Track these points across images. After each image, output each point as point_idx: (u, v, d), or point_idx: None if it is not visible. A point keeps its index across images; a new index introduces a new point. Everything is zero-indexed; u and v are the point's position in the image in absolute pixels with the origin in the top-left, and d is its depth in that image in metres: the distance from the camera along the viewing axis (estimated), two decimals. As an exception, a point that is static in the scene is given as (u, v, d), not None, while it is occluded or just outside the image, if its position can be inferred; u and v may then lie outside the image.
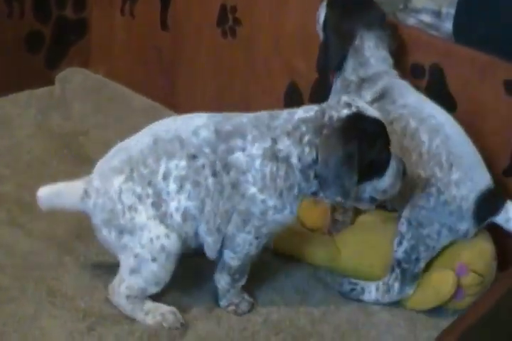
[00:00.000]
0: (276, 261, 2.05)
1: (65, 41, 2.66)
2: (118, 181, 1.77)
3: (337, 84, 2.09)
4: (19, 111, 2.48)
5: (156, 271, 1.78)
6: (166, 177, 1.75)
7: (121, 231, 1.78)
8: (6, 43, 2.50)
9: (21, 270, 1.90)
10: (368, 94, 2.02)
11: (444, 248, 1.96)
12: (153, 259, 1.76)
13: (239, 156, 1.75)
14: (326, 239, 2.07)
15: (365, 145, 1.70)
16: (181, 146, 1.76)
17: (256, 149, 1.75)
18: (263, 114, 1.81)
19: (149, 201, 1.75)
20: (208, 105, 2.48)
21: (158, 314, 1.82)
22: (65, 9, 2.61)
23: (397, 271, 1.95)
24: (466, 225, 1.94)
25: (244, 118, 1.80)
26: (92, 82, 2.63)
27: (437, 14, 3.24)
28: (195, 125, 1.78)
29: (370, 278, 1.97)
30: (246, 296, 1.91)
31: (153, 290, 1.81)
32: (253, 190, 1.75)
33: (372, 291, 1.96)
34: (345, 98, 1.76)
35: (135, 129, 1.86)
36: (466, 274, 1.92)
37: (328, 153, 1.70)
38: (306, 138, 1.72)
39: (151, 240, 1.75)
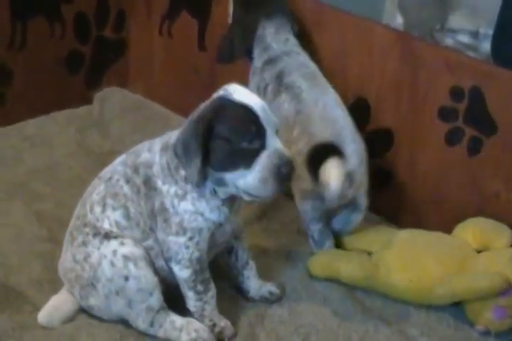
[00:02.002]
0: (313, 283, 2.03)
1: (104, 61, 2.70)
2: (69, 253, 1.84)
3: (251, 72, 2.22)
4: (59, 130, 2.51)
5: (137, 288, 1.78)
6: (91, 208, 1.83)
7: (92, 284, 1.80)
8: (46, 63, 2.54)
9: (59, 287, 1.91)
10: (268, 76, 2.14)
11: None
12: (126, 278, 1.77)
13: (145, 155, 1.82)
14: (362, 257, 2.06)
15: (219, 126, 1.68)
16: (99, 180, 1.86)
17: (157, 145, 1.81)
18: None
19: (90, 237, 1.80)
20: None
21: (192, 330, 1.80)
22: (105, 29, 2.64)
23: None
24: (307, 184, 1.96)
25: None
26: (130, 101, 2.65)
27: (475, 35, 3.23)
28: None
29: (408, 293, 1.96)
30: (225, 320, 1.86)
31: (154, 300, 1.79)
32: (159, 182, 1.78)
33: None
34: (228, 85, 1.75)
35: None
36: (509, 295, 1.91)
37: (182, 131, 1.72)
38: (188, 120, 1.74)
39: (112, 263, 1.77)
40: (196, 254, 1.79)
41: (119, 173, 1.83)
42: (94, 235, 1.80)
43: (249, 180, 1.69)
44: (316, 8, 2.37)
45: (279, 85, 2.13)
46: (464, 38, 3.24)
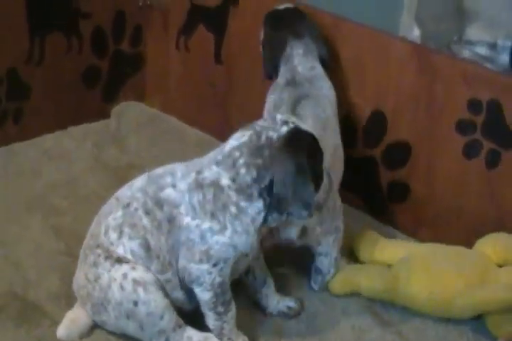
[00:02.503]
0: (331, 297, 2.03)
1: (121, 75, 2.71)
2: (81, 271, 1.84)
3: (272, 86, 2.24)
4: (76, 145, 2.52)
5: (147, 312, 1.77)
6: (106, 231, 1.82)
7: (102, 304, 1.80)
8: (64, 78, 2.56)
9: (76, 301, 1.91)
10: (286, 97, 2.15)
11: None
12: (135, 303, 1.76)
13: (170, 192, 1.81)
14: (382, 270, 2.05)
15: (310, 156, 1.76)
16: (117, 202, 1.84)
17: (183, 185, 1.80)
18: (204, 156, 1.87)
19: (101, 259, 1.79)
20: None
21: None
22: (122, 44, 2.65)
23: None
24: None
25: (178, 163, 1.87)
26: (147, 115, 2.67)
27: (493, 46, 3.22)
28: (134, 179, 1.88)
29: (428, 306, 1.95)
30: (244, 337, 1.87)
31: (165, 323, 1.78)
32: (187, 219, 1.78)
33: None
34: (279, 116, 1.79)
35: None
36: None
37: (283, 172, 1.73)
38: (241, 161, 1.75)
39: (121, 286, 1.76)
40: (219, 279, 1.80)
41: (139, 202, 1.81)
42: (106, 258, 1.80)
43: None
44: (333, 21, 2.37)
45: (292, 112, 2.11)
46: (482, 50, 3.22)
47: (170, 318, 1.79)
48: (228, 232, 1.77)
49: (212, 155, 1.81)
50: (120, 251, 1.79)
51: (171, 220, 1.79)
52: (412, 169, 2.28)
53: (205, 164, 1.80)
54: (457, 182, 2.20)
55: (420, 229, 2.29)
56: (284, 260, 2.13)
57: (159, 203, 1.80)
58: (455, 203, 2.21)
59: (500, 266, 2.02)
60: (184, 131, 2.64)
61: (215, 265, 1.78)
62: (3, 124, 2.46)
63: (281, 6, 2.31)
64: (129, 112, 2.66)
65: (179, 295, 1.83)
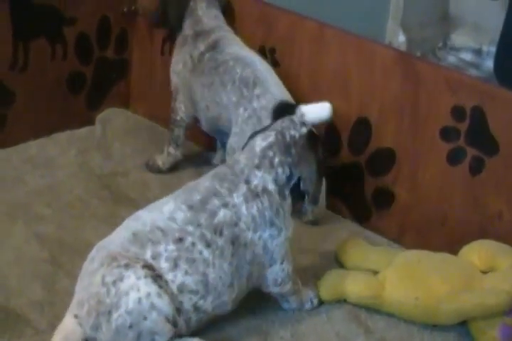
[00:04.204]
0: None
1: (106, 81, 2.69)
2: (99, 274, 1.73)
3: (178, 40, 2.43)
4: (60, 151, 2.51)
5: (152, 327, 1.73)
6: (155, 257, 1.75)
7: (109, 313, 1.71)
8: (48, 84, 2.54)
9: (60, 310, 1.89)
10: (202, 45, 2.36)
11: None
12: (145, 318, 1.72)
13: (224, 213, 1.81)
14: (368, 276, 2.05)
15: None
16: (164, 234, 1.77)
17: (237, 198, 1.82)
18: (220, 168, 1.91)
19: (139, 265, 1.72)
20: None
21: None
22: (107, 50, 2.64)
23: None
24: None
25: (204, 182, 1.87)
26: (132, 122, 2.66)
27: (478, 52, 3.24)
28: (168, 211, 1.81)
29: (415, 311, 1.96)
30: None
31: (163, 338, 1.75)
32: (249, 234, 1.82)
33: None
34: (297, 118, 1.92)
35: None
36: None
37: (309, 170, 1.87)
38: (277, 160, 1.85)
39: (139, 300, 1.70)
40: (289, 269, 1.91)
41: (194, 236, 1.77)
42: (145, 267, 1.73)
43: None
44: (317, 28, 2.37)
45: (219, 55, 2.33)
46: (467, 56, 3.25)
47: (168, 335, 1.76)
48: (283, 233, 1.86)
49: (244, 161, 1.86)
50: (169, 277, 1.74)
51: (235, 241, 1.80)
52: (397, 176, 2.29)
53: (246, 172, 1.85)
54: (441, 188, 2.21)
55: (405, 236, 2.29)
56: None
57: (218, 229, 1.79)
58: (439, 210, 2.22)
59: (484, 272, 2.02)
60: (168, 138, 2.62)
61: (282, 262, 1.88)
62: (-14, 132, 2.45)
63: None
64: (113, 119, 2.65)
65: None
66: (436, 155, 2.20)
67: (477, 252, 2.04)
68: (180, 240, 1.76)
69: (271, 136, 1.86)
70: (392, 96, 2.27)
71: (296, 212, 2.02)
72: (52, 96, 2.56)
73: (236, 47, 2.37)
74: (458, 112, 2.14)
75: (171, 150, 2.46)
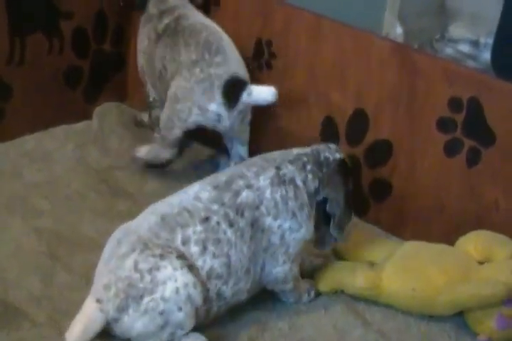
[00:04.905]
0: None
1: (103, 75, 2.69)
2: (131, 259, 1.73)
3: (143, 19, 2.46)
4: (57, 146, 2.50)
5: (182, 320, 1.74)
6: (185, 242, 1.76)
7: (140, 297, 1.71)
8: (44, 78, 2.54)
9: (58, 303, 1.90)
10: (167, 19, 2.40)
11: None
12: (179, 309, 1.72)
13: (247, 194, 1.83)
14: (365, 268, 2.05)
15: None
16: (190, 215, 1.79)
17: (263, 180, 1.85)
18: (251, 158, 1.97)
19: (173, 256, 1.73)
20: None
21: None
22: (103, 43, 2.64)
23: (159, 138, 2.36)
24: (215, 106, 2.24)
25: (234, 167, 1.94)
26: (129, 116, 2.65)
27: (475, 44, 3.23)
28: (193, 192, 1.84)
29: (412, 302, 1.96)
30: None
31: (182, 333, 1.76)
32: (269, 220, 1.84)
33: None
34: (333, 146, 1.97)
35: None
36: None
37: (336, 194, 1.90)
38: (309, 167, 1.89)
39: (177, 290, 1.71)
40: (296, 270, 1.93)
41: (219, 215, 1.79)
42: (179, 257, 1.74)
43: None
44: (314, 20, 2.37)
45: (184, 23, 2.37)
46: (465, 48, 3.24)
47: (189, 329, 1.77)
48: (303, 230, 1.88)
49: (279, 154, 1.93)
50: (199, 263, 1.76)
51: (254, 223, 1.82)
52: (394, 167, 2.29)
53: (278, 161, 1.89)
54: (438, 180, 2.21)
55: (402, 227, 2.29)
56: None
57: (240, 210, 1.81)
58: (436, 201, 2.22)
59: (481, 263, 2.02)
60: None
61: (293, 261, 1.89)
62: (-16, 125, 2.45)
63: None
64: (111, 113, 2.64)
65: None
66: (433, 147, 2.20)
67: (474, 243, 2.05)
68: (207, 219, 1.79)
69: (307, 149, 1.94)
70: (389, 87, 2.27)
71: (317, 241, 2.02)
72: (50, 90, 2.56)
73: (202, 18, 2.41)
74: (455, 103, 2.14)
75: (156, 135, 2.45)
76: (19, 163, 2.41)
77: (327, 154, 1.94)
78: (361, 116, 2.32)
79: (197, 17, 2.42)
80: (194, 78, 2.28)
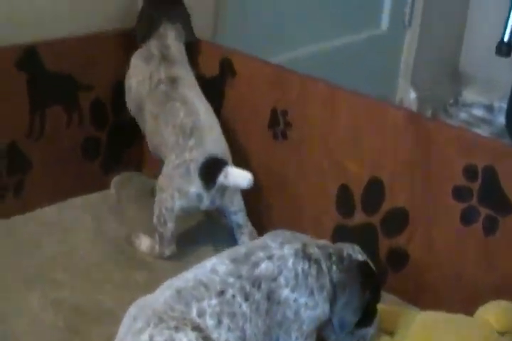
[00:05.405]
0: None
1: (120, 146, 2.72)
2: (146, 334, 1.70)
3: (143, 52, 2.51)
4: (76, 216, 2.52)
5: None
6: (200, 315, 1.75)
7: None
8: (63, 150, 2.57)
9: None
10: (163, 74, 2.43)
11: None
12: None
13: (266, 265, 1.82)
14: (384, 338, 2.03)
15: (371, 294, 1.91)
16: (206, 288, 1.78)
17: (287, 249, 1.84)
18: (278, 231, 1.95)
19: (188, 328, 1.71)
20: (258, 205, 2.50)
21: None
22: (121, 114, 2.67)
23: (156, 235, 2.34)
24: (194, 187, 2.26)
25: (256, 241, 1.91)
26: (146, 185, 2.67)
27: (489, 108, 3.26)
28: (210, 265, 1.83)
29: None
30: None
31: None
32: (286, 292, 1.81)
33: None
34: (356, 247, 1.95)
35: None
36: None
37: (349, 297, 1.86)
38: (334, 258, 1.87)
39: None
40: None
41: (234, 288, 1.78)
42: (194, 329, 1.72)
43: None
44: (329, 90, 2.40)
45: (173, 91, 2.40)
46: (479, 112, 3.26)
47: None
48: (319, 311, 1.85)
49: (306, 237, 1.92)
50: (215, 335, 1.74)
51: (270, 295, 1.80)
52: (411, 236, 2.29)
53: (305, 239, 1.89)
54: (455, 248, 2.20)
55: (420, 296, 2.28)
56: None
57: (256, 282, 1.79)
58: (454, 270, 2.21)
59: (501, 334, 2.00)
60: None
61: (306, 338, 1.85)
62: (4, 198, 2.46)
63: None
64: (128, 182, 2.67)
65: None
66: (449, 215, 2.20)
67: (493, 313, 2.02)
68: (222, 293, 1.77)
69: (331, 244, 1.93)
70: (404, 155, 2.28)
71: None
72: (68, 161, 2.58)
73: (189, 91, 2.42)
74: (470, 172, 2.15)
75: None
76: (38, 234, 2.42)
77: (350, 252, 1.92)
78: (377, 185, 2.33)
79: (186, 86, 2.42)
80: (171, 164, 2.31)
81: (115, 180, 2.67)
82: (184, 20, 2.55)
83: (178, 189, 2.29)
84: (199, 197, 2.28)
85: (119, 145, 2.71)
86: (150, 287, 1.87)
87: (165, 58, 2.46)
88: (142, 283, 2.25)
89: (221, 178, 2.22)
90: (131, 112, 2.58)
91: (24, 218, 2.48)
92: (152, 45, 2.50)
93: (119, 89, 2.62)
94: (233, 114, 2.60)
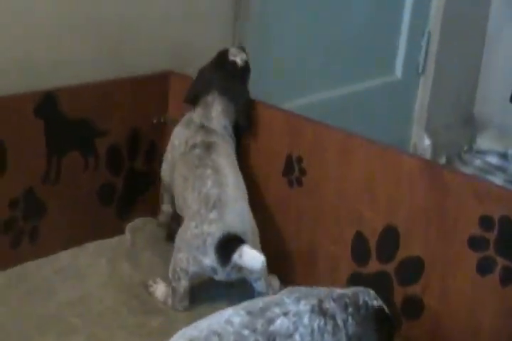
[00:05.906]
0: None
1: (136, 191, 2.73)
2: None
3: (185, 119, 2.49)
4: (90, 261, 2.52)
5: None
6: None
7: None
8: (79, 196, 2.58)
9: None
10: (199, 138, 2.39)
11: None
12: None
13: (282, 322, 1.79)
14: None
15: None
16: (220, 338, 1.76)
17: (303, 305, 1.81)
18: (294, 287, 1.92)
19: None
20: (275, 254, 2.49)
21: None
22: (136, 160, 2.69)
23: (169, 288, 2.33)
24: (210, 261, 2.22)
25: (273, 296, 1.89)
26: (160, 231, 2.68)
27: (503, 156, 3.27)
28: (226, 316, 1.81)
29: None
30: None
31: None
32: None
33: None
34: (372, 292, 1.94)
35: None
36: None
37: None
38: (350, 309, 1.85)
39: None
40: None
41: (247, 339, 1.76)
42: None
43: None
44: (343, 136, 2.41)
45: (206, 157, 2.35)
46: (493, 159, 3.26)
47: None
48: None
49: (322, 290, 1.90)
50: None
51: None
52: (426, 285, 2.27)
53: (322, 294, 1.87)
54: (471, 298, 2.19)
55: (437, 346, 2.26)
56: None
57: (271, 338, 1.78)
58: (470, 320, 2.19)
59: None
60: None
61: None
62: (19, 243, 2.47)
63: (239, 57, 2.50)
64: (143, 228, 2.68)
65: None
66: (465, 265, 2.19)
67: None
68: None
69: (348, 290, 1.92)
70: (419, 204, 2.28)
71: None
72: (83, 206, 2.59)
73: (222, 159, 2.37)
74: (486, 222, 2.14)
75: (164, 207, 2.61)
76: (52, 280, 2.42)
77: (366, 298, 1.91)
78: (392, 233, 2.33)
79: (221, 155, 2.37)
80: (189, 232, 2.28)
81: (130, 225, 2.68)
82: (238, 100, 2.47)
83: (194, 257, 2.26)
84: (213, 270, 2.25)
85: (134, 192, 2.72)
86: (164, 333, 1.87)
87: (203, 127, 2.42)
88: (156, 329, 2.24)
89: (235, 257, 2.16)
90: (164, 182, 2.56)
91: (38, 263, 2.48)
92: (196, 113, 2.46)
93: (134, 136, 2.65)
94: (249, 160, 2.61)
